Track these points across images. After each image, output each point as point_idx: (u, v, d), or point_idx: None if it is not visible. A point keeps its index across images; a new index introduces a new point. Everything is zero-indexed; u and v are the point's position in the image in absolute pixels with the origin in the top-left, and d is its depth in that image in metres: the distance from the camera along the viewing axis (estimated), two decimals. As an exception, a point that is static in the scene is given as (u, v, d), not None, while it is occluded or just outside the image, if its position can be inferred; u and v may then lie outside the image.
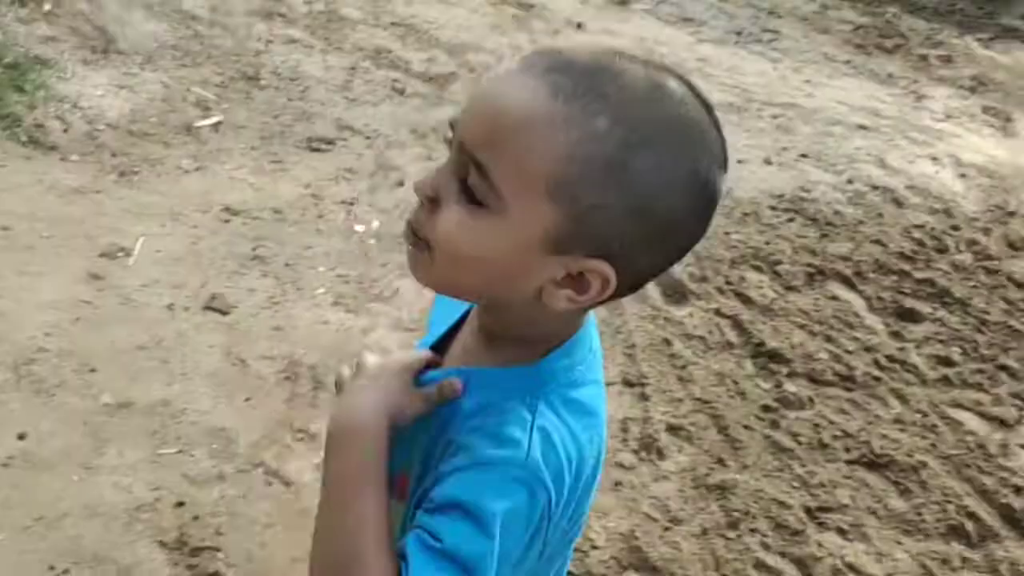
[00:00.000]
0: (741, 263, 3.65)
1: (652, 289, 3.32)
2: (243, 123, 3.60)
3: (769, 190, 4.35)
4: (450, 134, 0.80)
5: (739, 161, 4.62)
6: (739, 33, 6.82)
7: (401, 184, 3.60)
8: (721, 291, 3.43)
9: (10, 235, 2.62)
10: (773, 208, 4.18)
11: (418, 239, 0.81)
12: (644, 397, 2.79)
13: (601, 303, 0.83)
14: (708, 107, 0.81)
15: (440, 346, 0.97)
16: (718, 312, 3.29)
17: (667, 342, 3.05)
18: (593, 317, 0.93)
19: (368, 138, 3.79)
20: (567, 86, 0.74)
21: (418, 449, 0.87)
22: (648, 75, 0.78)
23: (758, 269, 3.65)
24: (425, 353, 0.92)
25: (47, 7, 3.84)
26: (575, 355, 0.87)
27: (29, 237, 2.64)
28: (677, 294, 3.34)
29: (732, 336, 3.18)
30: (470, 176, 0.77)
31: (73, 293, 2.49)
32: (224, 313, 2.62)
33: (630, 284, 0.83)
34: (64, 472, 2.00)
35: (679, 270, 3.46)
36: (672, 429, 2.67)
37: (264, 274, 2.83)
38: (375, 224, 3.28)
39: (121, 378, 2.28)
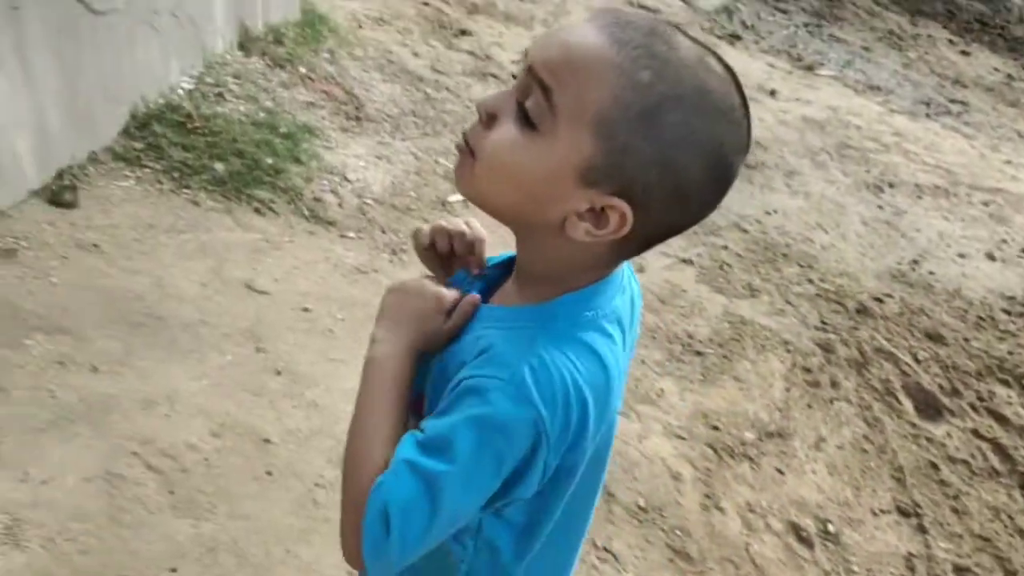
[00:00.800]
0: (987, 375, 3.51)
1: (905, 403, 3.22)
2: (487, 197, 3.63)
3: (999, 290, 4.18)
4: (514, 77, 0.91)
5: (961, 255, 4.47)
6: (927, 104, 6.62)
7: (641, 270, 3.58)
8: (974, 408, 3.30)
9: (311, 318, 2.68)
10: (1007, 312, 4.01)
11: (467, 147, 0.89)
12: (922, 530, 2.69)
13: (620, 254, 0.92)
14: (743, 95, 0.87)
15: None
16: (976, 433, 3.17)
17: (933, 466, 2.94)
18: (631, 275, 1.00)
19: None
20: (625, 40, 0.82)
21: (429, 374, 0.96)
22: (696, 48, 0.85)
23: (1005, 383, 3.51)
24: (453, 294, 0.99)
25: (302, 70, 3.96)
26: (589, 302, 0.92)
27: (327, 320, 2.70)
28: (931, 409, 3.23)
29: (995, 462, 3.05)
30: (530, 98, 0.84)
31: (374, 384, 2.53)
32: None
33: (642, 235, 0.88)
34: None
35: (927, 380, 3.36)
36: (959, 571, 2.57)
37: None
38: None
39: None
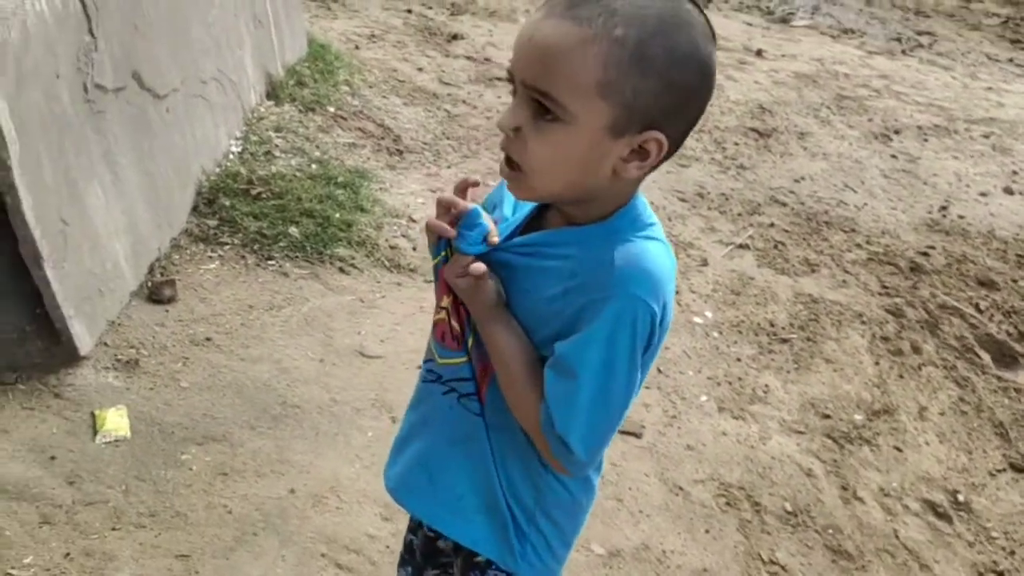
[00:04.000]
0: (1046, 313, 3.58)
1: (983, 356, 3.27)
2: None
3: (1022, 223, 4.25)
4: (509, 82, 0.99)
5: (982, 194, 4.52)
6: (899, 40, 6.66)
7: (706, 263, 3.56)
8: (1043, 350, 3.37)
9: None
10: (1042, 245, 4.08)
11: (512, 164, 1.00)
12: (1038, 484, 2.74)
13: (658, 165, 1.01)
14: None
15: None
16: (1053, 376, 3.23)
17: (1030, 416, 3.00)
18: (643, 198, 1.10)
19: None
20: (584, 16, 0.92)
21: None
22: None
23: (1064, 319, 3.57)
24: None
25: (331, 109, 3.83)
26: (635, 211, 1.06)
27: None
28: (1007, 357, 3.29)
29: (1080, 400, 3.12)
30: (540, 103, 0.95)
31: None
32: (637, 436, 2.61)
33: (674, 144, 1.00)
34: (607, 638, 2.01)
35: (995, 329, 3.41)
36: (1085, 519, 2.63)
37: (646, 385, 2.81)
38: (709, 314, 3.25)
39: (594, 525, 2.28)
